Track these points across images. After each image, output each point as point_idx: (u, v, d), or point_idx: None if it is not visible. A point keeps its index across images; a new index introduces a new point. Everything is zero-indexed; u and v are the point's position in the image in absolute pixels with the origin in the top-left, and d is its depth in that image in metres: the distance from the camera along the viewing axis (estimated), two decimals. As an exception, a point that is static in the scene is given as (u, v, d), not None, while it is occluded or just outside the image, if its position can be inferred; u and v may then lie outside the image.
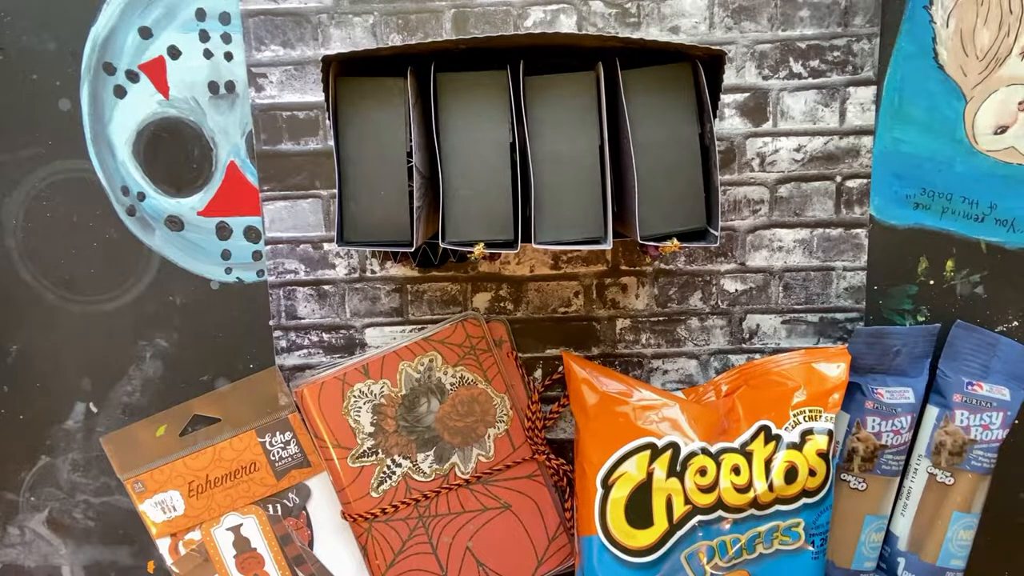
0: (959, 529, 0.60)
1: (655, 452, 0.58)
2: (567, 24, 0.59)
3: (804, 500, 0.58)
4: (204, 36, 0.60)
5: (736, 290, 0.63)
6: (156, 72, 0.60)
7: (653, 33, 0.59)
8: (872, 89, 0.60)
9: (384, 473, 0.62)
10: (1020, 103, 0.59)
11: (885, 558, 0.63)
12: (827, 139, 0.61)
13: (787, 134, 0.61)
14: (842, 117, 0.60)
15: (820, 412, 0.58)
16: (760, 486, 0.58)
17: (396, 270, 0.63)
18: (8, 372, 0.64)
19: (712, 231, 0.51)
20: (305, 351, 0.64)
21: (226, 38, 0.60)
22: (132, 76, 0.60)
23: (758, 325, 0.63)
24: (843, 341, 0.63)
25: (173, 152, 0.61)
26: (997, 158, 0.60)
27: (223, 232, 0.63)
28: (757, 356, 0.64)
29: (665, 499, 0.58)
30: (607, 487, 0.58)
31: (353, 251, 0.63)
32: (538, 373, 0.64)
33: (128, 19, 0.60)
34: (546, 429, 0.64)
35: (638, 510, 0.58)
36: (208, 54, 0.60)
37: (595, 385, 0.60)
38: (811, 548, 0.59)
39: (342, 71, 0.51)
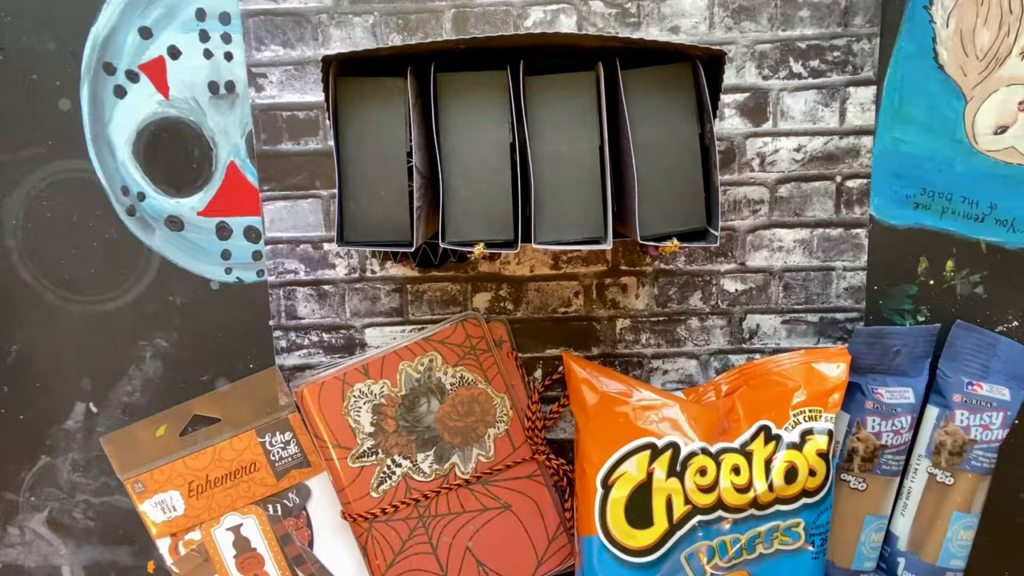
0: (959, 529, 0.61)
1: (655, 452, 0.58)
2: (567, 24, 0.59)
3: (804, 500, 0.58)
4: (204, 36, 0.60)
5: (736, 290, 0.63)
6: (156, 72, 0.60)
7: (653, 33, 0.59)
8: (872, 89, 0.60)
9: (384, 473, 0.62)
10: (1020, 103, 0.59)
11: (885, 558, 0.63)
12: (827, 139, 0.61)
13: (787, 134, 0.61)
14: (842, 117, 0.60)
15: (820, 412, 0.58)
16: (760, 486, 0.58)
17: (396, 270, 0.63)
18: (8, 372, 0.64)
19: (712, 231, 0.51)
20: (305, 351, 0.64)
21: (226, 38, 0.60)
22: (132, 76, 0.60)
23: (758, 325, 0.63)
24: (843, 341, 0.63)
25: (173, 152, 0.61)
26: (997, 158, 0.60)
27: (223, 232, 0.63)
28: (757, 356, 0.64)
29: (665, 499, 0.58)
30: (607, 487, 0.58)
31: (353, 251, 0.63)
32: (538, 373, 0.64)
33: (128, 19, 0.60)
34: (546, 429, 0.64)
35: (638, 510, 0.58)
36: (208, 54, 0.60)
37: (595, 385, 0.60)
38: (811, 548, 0.59)
39: (342, 71, 0.51)
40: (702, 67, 0.50)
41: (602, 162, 0.50)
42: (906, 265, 0.62)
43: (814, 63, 0.60)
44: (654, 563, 0.58)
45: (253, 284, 0.63)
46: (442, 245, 0.50)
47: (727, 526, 0.58)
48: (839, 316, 0.63)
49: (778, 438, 0.58)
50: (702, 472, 0.58)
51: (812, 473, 0.58)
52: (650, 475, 0.58)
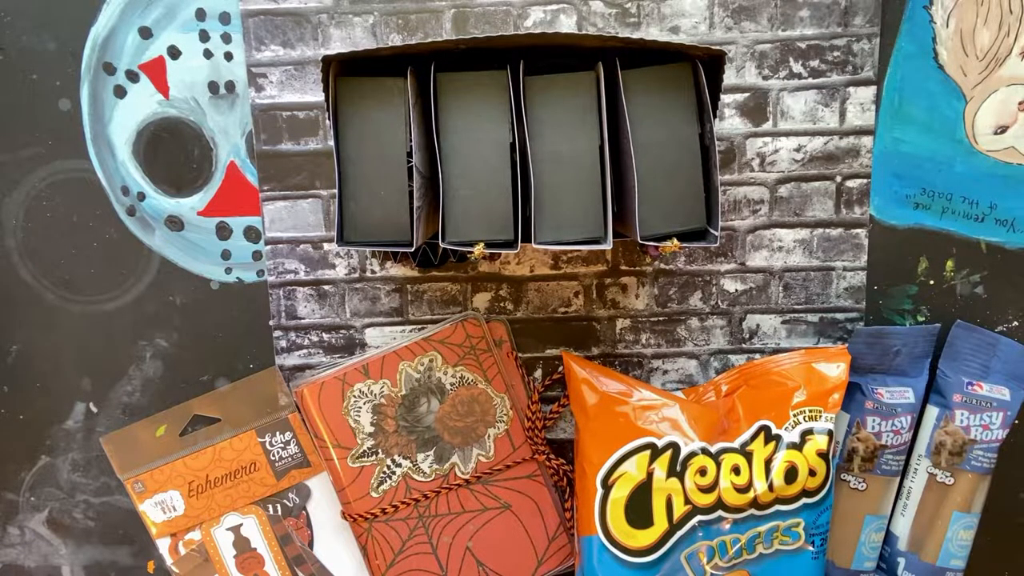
0: (959, 529, 0.61)
1: (655, 452, 0.58)
2: (567, 24, 0.59)
3: (804, 500, 0.58)
4: (204, 36, 0.60)
5: (736, 290, 0.63)
6: (156, 72, 0.60)
7: (653, 33, 0.59)
8: (872, 89, 0.60)
9: (384, 473, 0.62)
10: (1020, 103, 0.59)
11: (885, 558, 0.63)
12: (827, 139, 0.61)
13: (787, 134, 0.61)
14: (842, 117, 0.60)
15: (820, 412, 0.58)
16: (760, 486, 0.58)
17: (396, 270, 0.63)
18: (8, 372, 0.64)
19: (712, 231, 0.51)
20: (305, 351, 0.64)
21: (226, 38, 0.60)
22: (132, 76, 0.60)
23: (758, 325, 0.63)
24: (843, 341, 0.63)
25: (173, 152, 0.61)
26: (997, 158, 0.60)
27: (223, 232, 0.63)
28: (757, 356, 0.64)
29: (665, 499, 0.58)
30: (607, 487, 0.58)
31: (353, 251, 0.63)
32: (538, 373, 0.64)
33: (128, 19, 0.60)
34: (546, 429, 0.64)
35: (638, 510, 0.58)
36: (208, 54, 0.60)
37: (595, 385, 0.60)
38: (811, 548, 0.59)
39: (342, 71, 0.51)
40: (702, 67, 0.50)
41: (602, 162, 0.50)
42: (906, 265, 0.62)
43: (814, 63, 0.60)
44: (654, 563, 0.58)
45: (253, 284, 0.63)
46: (442, 245, 0.50)
47: (727, 526, 0.58)
48: (839, 316, 0.63)
49: (778, 438, 0.58)
50: (702, 472, 0.58)
51: (812, 473, 0.58)
52: (650, 475, 0.58)
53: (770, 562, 0.58)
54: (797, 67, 0.60)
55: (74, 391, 0.64)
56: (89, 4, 0.59)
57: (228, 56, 0.60)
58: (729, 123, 0.60)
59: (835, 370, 0.59)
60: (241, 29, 0.60)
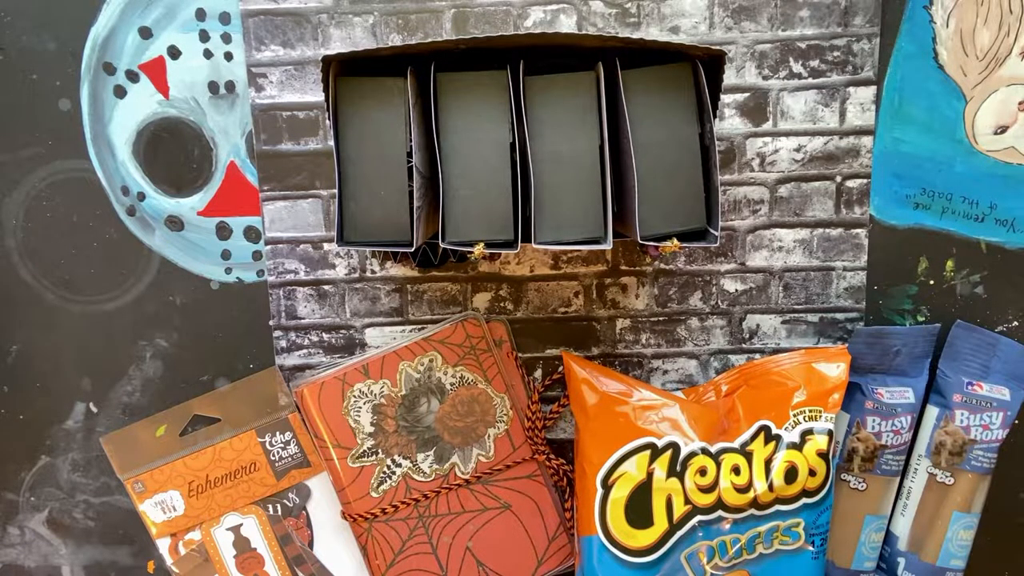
0: (959, 529, 0.61)
1: (655, 452, 0.58)
2: (567, 24, 0.59)
3: (804, 500, 0.58)
4: (204, 36, 0.60)
5: (736, 290, 0.63)
6: (156, 72, 0.60)
7: (653, 33, 0.59)
8: (872, 89, 0.60)
9: (384, 473, 0.62)
10: (1020, 103, 0.59)
11: (885, 558, 0.63)
12: (827, 139, 0.61)
13: (787, 134, 0.61)
14: (842, 117, 0.60)
15: (820, 412, 0.58)
16: (760, 486, 0.58)
17: (396, 270, 0.63)
18: (8, 372, 0.64)
19: (712, 231, 0.51)
20: (305, 351, 0.64)
21: (226, 38, 0.60)
22: (132, 76, 0.60)
23: (758, 325, 0.63)
24: (843, 341, 0.63)
25: (173, 152, 0.61)
26: (997, 158, 0.60)
27: (223, 232, 0.63)
28: (757, 356, 0.64)
29: (665, 499, 0.58)
30: (607, 487, 0.58)
31: (353, 251, 0.63)
32: (538, 373, 0.64)
33: (128, 19, 0.60)
34: (546, 429, 0.64)
35: (638, 510, 0.58)
36: (208, 54, 0.60)
37: (595, 385, 0.60)
38: (811, 548, 0.59)
39: (342, 71, 0.51)
40: (702, 67, 0.50)
41: (602, 162, 0.50)
42: (906, 265, 0.62)
43: (814, 63, 0.60)
44: (654, 563, 0.58)
45: (253, 284, 0.63)
46: (442, 245, 0.50)
47: (727, 526, 0.58)
48: (839, 316, 0.63)
49: (778, 438, 0.58)
50: (702, 472, 0.58)
51: (812, 473, 0.58)
52: (650, 475, 0.58)
53: (770, 562, 0.58)
54: (797, 67, 0.60)
55: (74, 391, 0.64)
56: (89, 4, 0.59)
57: (228, 56, 0.60)
58: (729, 123, 0.60)
59: (835, 370, 0.59)
60: (241, 29, 0.60)
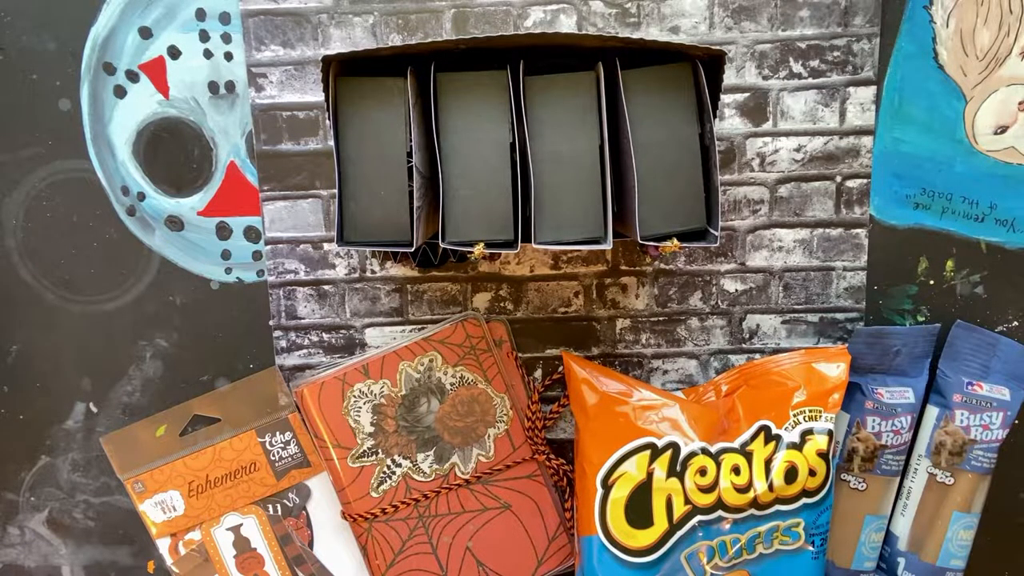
0: (959, 529, 0.61)
1: (655, 452, 0.58)
2: (567, 24, 0.59)
3: (804, 500, 0.58)
4: (204, 36, 0.60)
5: (736, 290, 0.63)
6: (156, 72, 0.60)
7: (653, 33, 0.59)
8: (872, 89, 0.60)
9: (384, 473, 0.62)
10: (1020, 103, 0.59)
11: (885, 558, 0.63)
12: (827, 139, 0.61)
13: (787, 134, 0.61)
14: (842, 117, 0.60)
15: (820, 412, 0.58)
16: (760, 486, 0.58)
17: (396, 270, 0.63)
18: (8, 372, 0.64)
19: (712, 231, 0.51)
20: (305, 351, 0.64)
21: (226, 38, 0.60)
22: (132, 76, 0.60)
23: (758, 325, 0.63)
24: (843, 341, 0.63)
25: (173, 152, 0.61)
26: (997, 158, 0.60)
27: (223, 232, 0.63)
28: (757, 356, 0.64)
29: (665, 499, 0.58)
30: (607, 487, 0.58)
31: (353, 251, 0.63)
32: (538, 373, 0.64)
33: (128, 19, 0.60)
34: (546, 429, 0.64)
35: (638, 510, 0.58)
36: (208, 54, 0.60)
37: (595, 385, 0.60)
38: (811, 548, 0.59)
39: (342, 71, 0.51)
40: (702, 67, 0.50)
41: (602, 162, 0.50)
42: (906, 265, 0.62)
43: (814, 63, 0.60)
44: (654, 563, 0.58)
45: (253, 284, 0.63)
46: (442, 245, 0.50)
47: (727, 526, 0.58)
48: (839, 316, 0.63)
49: (778, 438, 0.58)
50: (702, 472, 0.58)
51: (812, 473, 0.58)
52: (650, 475, 0.58)
53: (770, 562, 0.58)
54: (797, 67, 0.60)
55: (74, 391, 0.64)
56: (89, 4, 0.59)
57: (228, 56, 0.60)
58: (729, 123, 0.60)
59: (835, 370, 0.59)
60: (241, 29, 0.60)
